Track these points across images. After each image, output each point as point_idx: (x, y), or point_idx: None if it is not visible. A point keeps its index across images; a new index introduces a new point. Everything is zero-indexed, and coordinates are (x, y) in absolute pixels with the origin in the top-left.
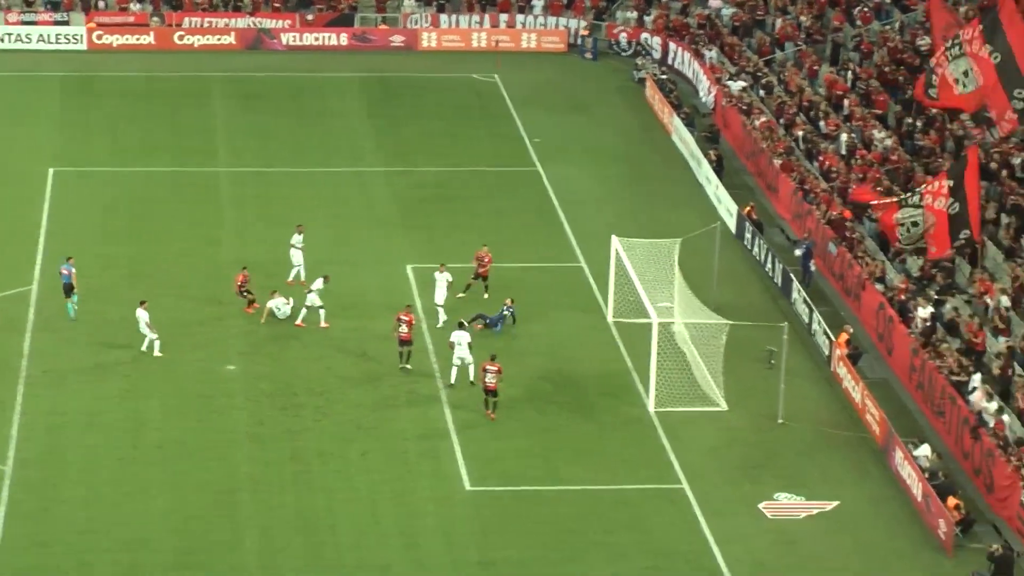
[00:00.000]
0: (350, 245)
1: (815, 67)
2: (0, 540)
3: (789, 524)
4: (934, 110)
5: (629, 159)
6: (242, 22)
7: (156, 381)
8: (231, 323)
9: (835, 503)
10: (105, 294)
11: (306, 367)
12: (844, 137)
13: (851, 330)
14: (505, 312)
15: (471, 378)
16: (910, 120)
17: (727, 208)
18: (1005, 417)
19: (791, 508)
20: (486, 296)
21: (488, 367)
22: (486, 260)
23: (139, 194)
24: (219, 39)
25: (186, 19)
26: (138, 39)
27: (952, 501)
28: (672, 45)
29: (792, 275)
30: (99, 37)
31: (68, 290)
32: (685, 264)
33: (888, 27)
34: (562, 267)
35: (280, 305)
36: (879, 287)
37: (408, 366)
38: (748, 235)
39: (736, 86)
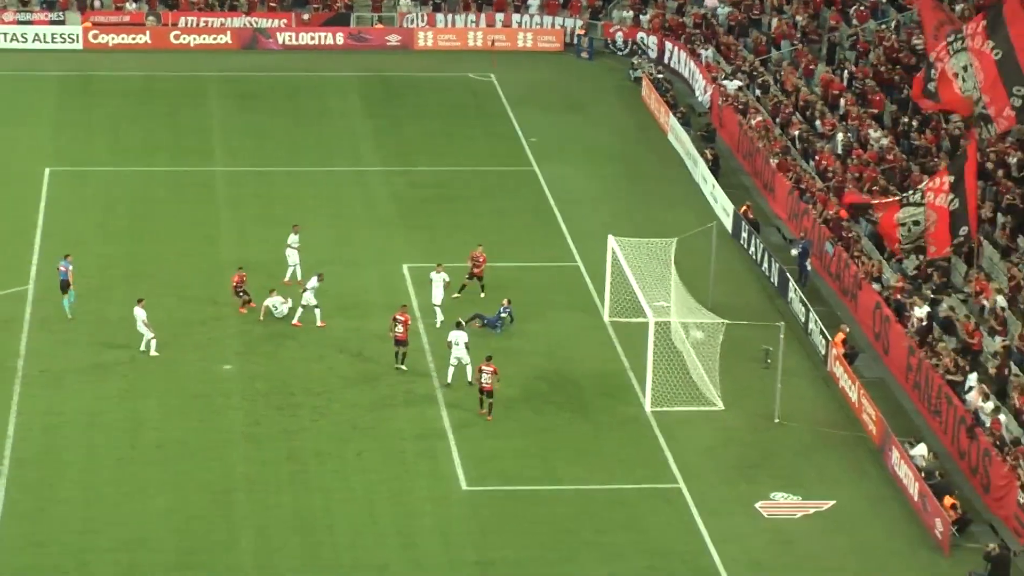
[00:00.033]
0: (347, 245)
1: (811, 66)
2: None
3: (786, 524)
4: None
5: (625, 158)
6: (238, 21)
7: (154, 381)
8: (229, 323)
9: (831, 503)
10: (103, 294)
11: (303, 367)
12: (840, 136)
13: (848, 330)
14: (503, 314)
15: (468, 378)
16: (906, 119)
17: (723, 207)
18: (1001, 416)
19: (788, 508)
20: (483, 296)
21: (484, 368)
22: (481, 260)
23: (136, 194)
24: (215, 39)
25: (182, 18)
26: (134, 39)
27: (949, 500)
28: (668, 44)
29: (789, 274)
30: (95, 37)
31: (64, 287)
32: (681, 263)
33: (884, 26)
34: (558, 267)
35: (277, 304)
36: (876, 286)
37: (403, 367)
38: (744, 234)
39: (732, 85)
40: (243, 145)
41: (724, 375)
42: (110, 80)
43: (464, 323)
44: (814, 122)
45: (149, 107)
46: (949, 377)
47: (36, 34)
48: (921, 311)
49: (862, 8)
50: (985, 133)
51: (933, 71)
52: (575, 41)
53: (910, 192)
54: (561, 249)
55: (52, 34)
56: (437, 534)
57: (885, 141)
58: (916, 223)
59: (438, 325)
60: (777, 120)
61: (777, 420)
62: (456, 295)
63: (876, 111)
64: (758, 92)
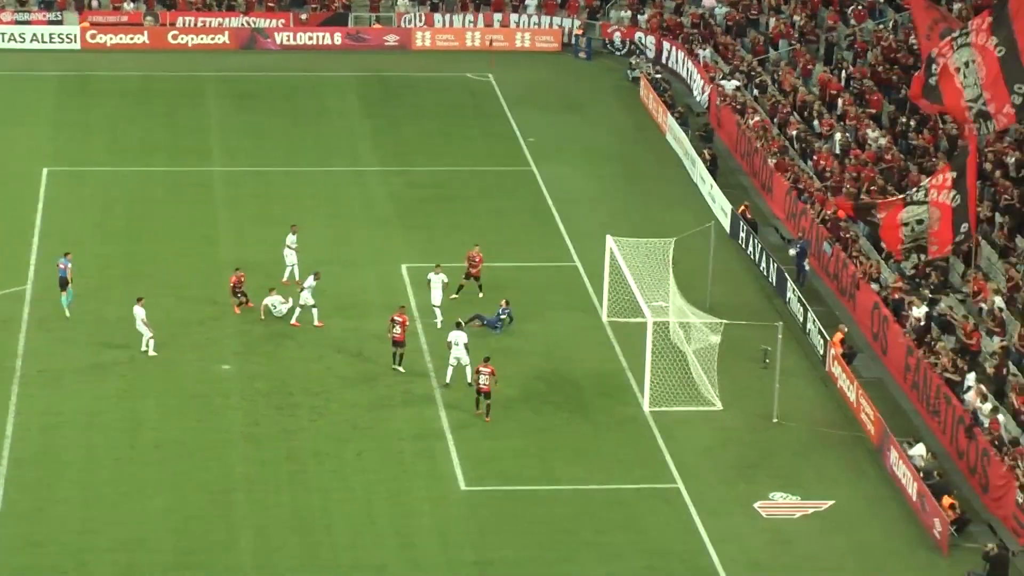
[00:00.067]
0: (346, 245)
1: (809, 66)
2: None
3: (784, 524)
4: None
5: (623, 158)
6: (236, 21)
7: (152, 381)
8: (227, 323)
9: (830, 503)
10: (101, 294)
11: (302, 367)
12: (838, 136)
13: (846, 329)
14: (502, 315)
15: (468, 379)
16: (904, 119)
17: (721, 207)
18: (1000, 416)
19: (786, 508)
20: (480, 295)
21: (481, 369)
22: (477, 260)
23: (134, 194)
24: (213, 39)
25: (180, 18)
26: (132, 39)
27: (947, 500)
28: (666, 44)
29: (787, 274)
30: (93, 36)
31: (63, 284)
32: (680, 263)
33: (882, 26)
34: (557, 267)
35: (277, 303)
36: (874, 286)
37: (400, 368)
38: (743, 234)
39: (730, 85)
40: (241, 145)
41: (723, 375)
42: (108, 80)
43: (464, 324)
44: (812, 122)
45: (147, 107)
46: (946, 375)
47: (34, 34)
48: (919, 311)
49: (860, 8)
50: (984, 130)
51: (935, 66)
52: (573, 41)
53: (914, 190)
54: (559, 249)
55: (50, 34)
56: (436, 534)
57: (883, 141)
58: (920, 221)
59: (439, 326)
60: (775, 120)
61: (775, 420)
62: (454, 296)
63: (874, 111)
64: (756, 92)
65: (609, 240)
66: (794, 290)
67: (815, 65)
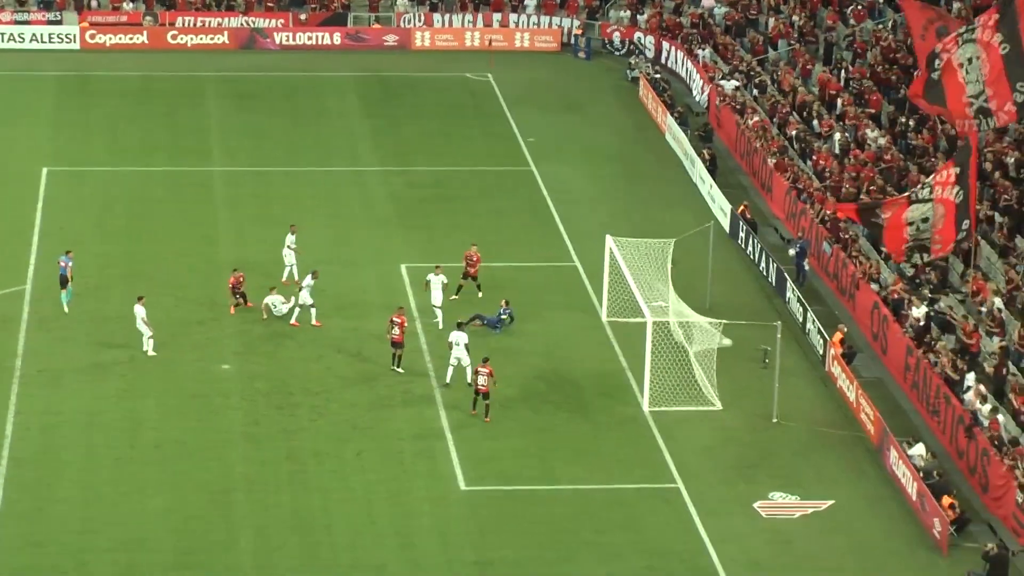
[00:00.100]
0: (345, 245)
1: (808, 66)
2: None
3: (784, 523)
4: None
5: (623, 158)
6: (235, 21)
7: (152, 381)
8: (227, 323)
9: (830, 502)
10: (101, 293)
11: (302, 367)
12: (838, 136)
13: (845, 329)
14: (503, 315)
15: (468, 379)
16: (904, 119)
17: (721, 207)
18: (1000, 416)
19: (786, 507)
20: (480, 295)
21: (480, 369)
22: (475, 259)
23: (134, 194)
24: (212, 39)
25: (179, 18)
26: (131, 39)
27: (947, 500)
28: (665, 44)
29: (786, 274)
30: (92, 36)
31: (63, 282)
32: (679, 263)
33: (881, 26)
34: (556, 267)
35: (277, 303)
36: (874, 286)
37: (399, 369)
38: (742, 234)
39: (729, 85)
40: (241, 145)
41: (722, 375)
42: (107, 80)
43: (464, 324)
44: (811, 122)
45: (147, 107)
46: (947, 372)
47: (33, 34)
48: (919, 311)
49: (859, 8)
50: (984, 127)
51: (938, 61)
52: (572, 41)
53: (918, 187)
54: (559, 249)
55: (49, 34)
56: (435, 534)
57: (883, 141)
58: (925, 219)
59: (439, 326)
60: (774, 120)
61: (775, 420)
62: (454, 296)
63: (873, 111)
64: (755, 92)
65: (609, 240)
66: (794, 290)
67: (814, 65)
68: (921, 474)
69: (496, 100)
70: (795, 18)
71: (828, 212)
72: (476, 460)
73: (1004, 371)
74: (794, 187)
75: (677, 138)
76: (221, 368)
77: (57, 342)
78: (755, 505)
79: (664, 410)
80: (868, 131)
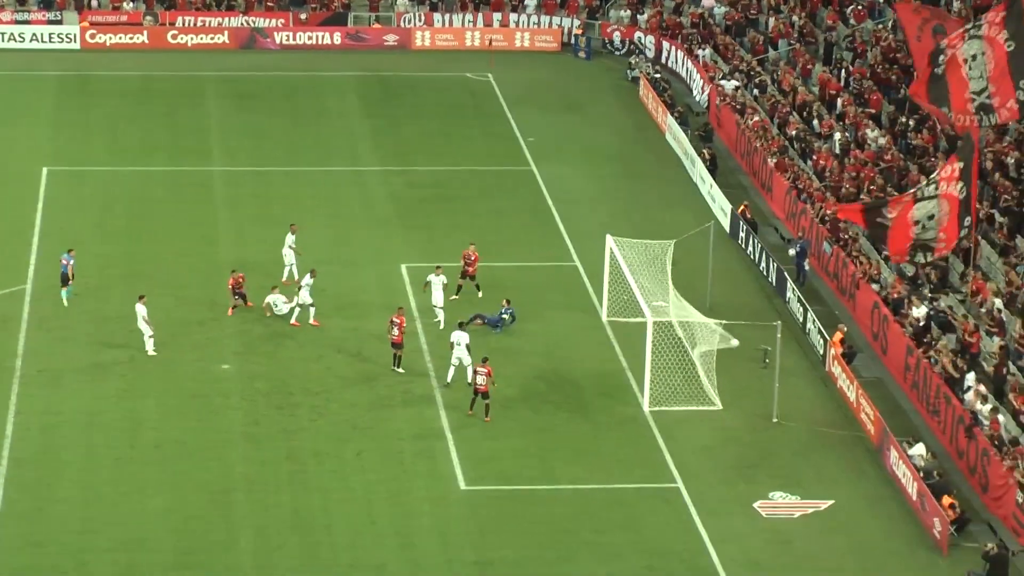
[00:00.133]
0: (345, 245)
1: (808, 66)
2: None
3: (784, 523)
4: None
5: (623, 158)
6: (236, 21)
7: (152, 381)
8: (227, 323)
9: (830, 502)
10: (101, 293)
11: (302, 367)
12: (838, 136)
13: (846, 329)
14: (504, 315)
15: (469, 380)
16: (903, 119)
17: (721, 207)
18: (1000, 416)
19: (786, 507)
20: (480, 295)
21: (478, 369)
22: (473, 259)
23: (134, 194)
24: (213, 38)
25: (179, 18)
26: (132, 38)
27: (947, 500)
28: (666, 44)
29: (787, 274)
30: (92, 36)
31: (64, 280)
32: (679, 263)
33: (881, 26)
34: (556, 266)
35: (278, 302)
36: (874, 286)
37: (400, 369)
38: (742, 234)
39: (729, 85)
40: (241, 145)
41: (722, 375)
42: (108, 80)
43: (465, 324)
44: (812, 122)
45: (147, 107)
46: (949, 370)
47: (33, 34)
48: (919, 311)
49: (859, 8)
50: (985, 122)
51: (943, 56)
52: (573, 41)
53: (924, 183)
54: (559, 249)
55: (49, 34)
56: (435, 534)
57: (883, 141)
58: (931, 216)
59: (440, 326)
60: (775, 120)
61: (775, 420)
62: (454, 297)
63: (873, 111)
64: (755, 92)
65: (609, 240)
66: (794, 290)
67: (814, 65)
68: (921, 474)
69: (496, 100)
70: (795, 18)
71: (829, 212)
72: (476, 460)
73: (1004, 371)
74: (794, 187)
75: (677, 138)
76: (221, 368)
77: (57, 342)
78: (755, 505)
79: (664, 410)
80: (868, 131)
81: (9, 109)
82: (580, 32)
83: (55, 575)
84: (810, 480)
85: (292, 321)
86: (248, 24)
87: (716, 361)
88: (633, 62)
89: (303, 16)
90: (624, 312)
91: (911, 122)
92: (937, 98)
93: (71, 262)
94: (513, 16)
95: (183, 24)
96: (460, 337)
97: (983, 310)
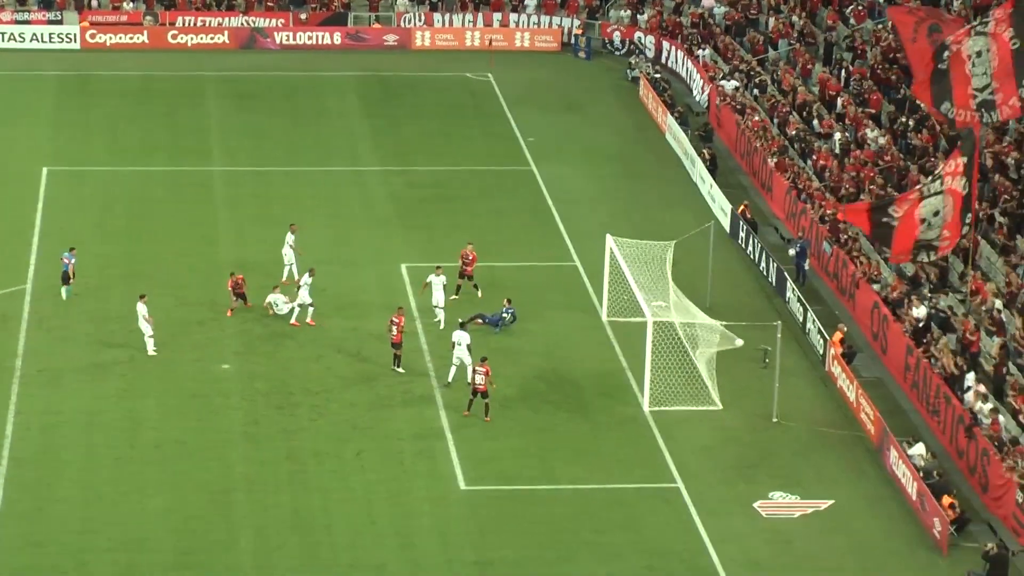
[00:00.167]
0: (345, 244)
1: (808, 66)
2: None
3: (784, 523)
4: (925, 107)
5: (623, 158)
6: (236, 21)
7: (152, 381)
8: (227, 322)
9: (830, 502)
10: (101, 293)
11: (302, 367)
12: (838, 136)
13: (845, 329)
14: (504, 314)
15: (469, 379)
16: (903, 119)
17: (721, 207)
18: (1000, 416)
19: (786, 507)
20: (479, 295)
21: (477, 368)
22: (470, 258)
23: (134, 194)
24: (213, 38)
25: (180, 18)
26: (132, 38)
27: (947, 500)
28: (666, 44)
29: (787, 274)
30: (92, 36)
31: (65, 278)
32: (679, 263)
33: (881, 26)
34: (556, 266)
35: (279, 301)
36: (874, 286)
37: (400, 369)
38: (742, 234)
39: (729, 85)
40: (241, 145)
41: (722, 375)
42: (108, 80)
43: (465, 323)
44: (811, 122)
45: (147, 107)
46: (950, 368)
47: (34, 33)
48: (919, 311)
49: (859, 8)
50: (987, 119)
51: (947, 52)
52: (573, 41)
53: (929, 180)
54: (559, 249)
55: (49, 34)
56: (435, 534)
57: (883, 140)
58: (936, 213)
59: (441, 326)
60: (775, 120)
61: (775, 420)
62: (454, 297)
63: (873, 111)
64: (755, 92)
65: (609, 240)
66: (794, 290)
67: (814, 65)
68: (921, 474)
69: (496, 100)
70: (795, 18)
71: (829, 212)
72: (476, 460)
73: (1004, 371)
74: (794, 187)
75: (677, 138)
76: (221, 368)
77: (57, 342)
78: (755, 505)
79: (664, 410)
80: (868, 131)
81: (9, 109)
82: (580, 32)
83: (55, 575)
84: (810, 480)
85: (292, 321)
86: (248, 24)
87: (716, 361)
88: (633, 62)
89: (303, 16)
90: (624, 312)
91: (911, 122)
92: (939, 94)
93: (72, 261)
94: (513, 16)
95: (183, 24)
96: (461, 337)
97: (984, 308)
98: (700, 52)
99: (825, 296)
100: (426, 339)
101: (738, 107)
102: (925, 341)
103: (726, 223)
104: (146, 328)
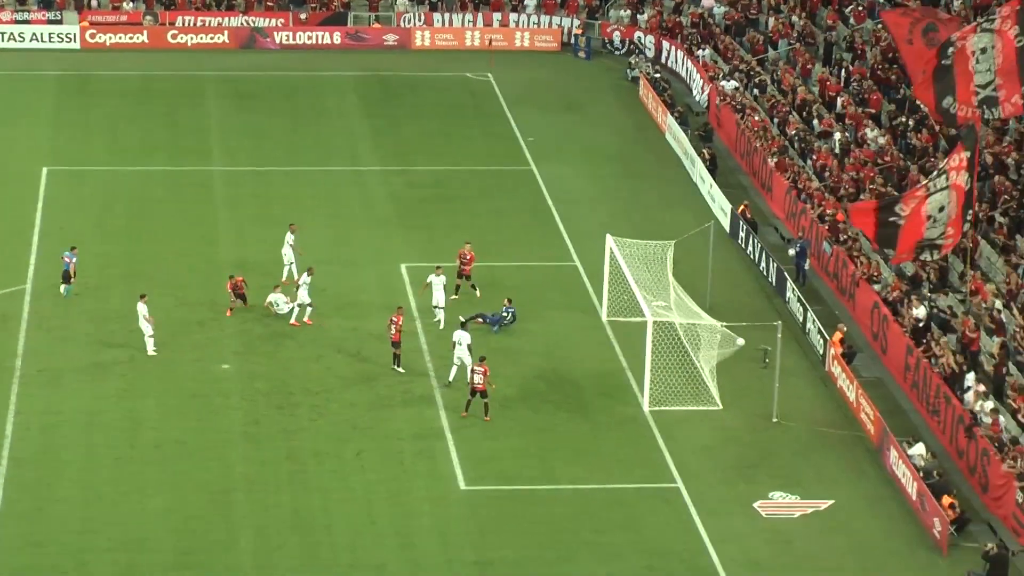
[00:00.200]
0: (345, 244)
1: (808, 66)
2: None
3: (784, 523)
4: (925, 107)
5: (623, 158)
6: (235, 21)
7: (152, 380)
8: (227, 322)
9: (830, 502)
10: (101, 293)
11: (301, 367)
12: (838, 136)
13: (845, 329)
14: (504, 313)
15: (468, 379)
16: (903, 119)
17: (721, 207)
18: (1000, 416)
19: (786, 507)
20: (478, 295)
21: (476, 368)
22: (469, 258)
23: (134, 193)
24: (212, 38)
25: (179, 18)
26: (131, 38)
27: (947, 500)
28: (665, 44)
29: (786, 274)
30: (92, 36)
31: (66, 277)
32: (679, 263)
33: (881, 26)
34: (556, 266)
35: (279, 301)
36: (874, 286)
37: (400, 369)
38: (742, 234)
39: (729, 85)
40: (241, 145)
41: (722, 375)
42: (108, 80)
43: (466, 323)
44: (811, 121)
45: (147, 107)
46: (950, 368)
47: (33, 33)
48: (919, 311)
49: (859, 8)
50: (988, 116)
51: (951, 48)
52: (572, 40)
53: (934, 175)
54: (559, 249)
55: (49, 33)
56: (435, 534)
57: (883, 140)
58: (941, 209)
59: (441, 326)
60: (774, 120)
61: (775, 420)
62: (454, 297)
63: (873, 111)
64: (755, 92)
65: (609, 240)
66: (794, 290)
67: (814, 65)
68: (921, 474)
69: (496, 100)
70: (795, 18)
71: (828, 212)
72: (476, 460)
73: (1004, 371)
74: (794, 187)
75: (677, 138)
76: (221, 368)
77: (57, 342)
78: (755, 505)
79: (664, 410)
80: (868, 131)
81: (9, 109)
82: (580, 32)
83: (55, 575)
84: (810, 480)
85: (292, 321)
86: (248, 24)
87: (716, 361)
88: (633, 62)
89: (303, 16)
90: (624, 312)
91: (911, 122)
92: (942, 90)
93: (73, 260)
94: (513, 16)
95: (183, 24)
96: (462, 337)
97: (984, 307)
98: (700, 52)
99: (825, 296)
100: (426, 339)
101: (738, 107)
102: (925, 341)
103: (726, 223)
104: (146, 328)
